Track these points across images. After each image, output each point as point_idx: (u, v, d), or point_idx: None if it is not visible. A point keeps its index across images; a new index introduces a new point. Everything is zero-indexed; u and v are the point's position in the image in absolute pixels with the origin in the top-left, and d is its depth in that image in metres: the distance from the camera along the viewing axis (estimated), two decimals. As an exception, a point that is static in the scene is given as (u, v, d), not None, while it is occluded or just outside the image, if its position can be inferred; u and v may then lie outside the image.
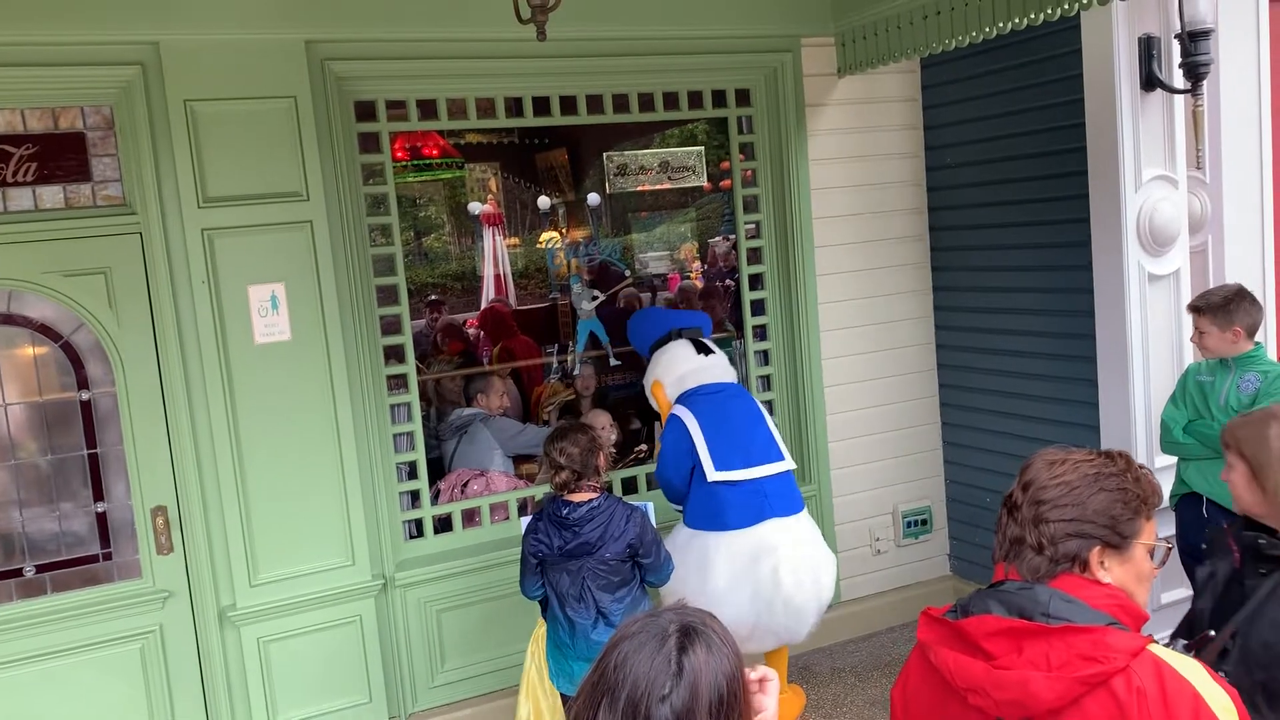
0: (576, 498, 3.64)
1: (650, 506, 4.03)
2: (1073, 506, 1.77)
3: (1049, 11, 3.90)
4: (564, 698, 3.82)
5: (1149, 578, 1.82)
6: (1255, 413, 2.72)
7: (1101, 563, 1.76)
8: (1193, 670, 1.66)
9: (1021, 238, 4.94)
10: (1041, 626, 1.67)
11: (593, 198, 9.86)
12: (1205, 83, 4.26)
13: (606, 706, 1.44)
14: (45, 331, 4.06)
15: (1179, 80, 4.27)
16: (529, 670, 4.10)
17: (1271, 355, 4.46)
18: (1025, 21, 4.02)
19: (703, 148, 9.48)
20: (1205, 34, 4.10)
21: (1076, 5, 3.82)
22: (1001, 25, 4.14)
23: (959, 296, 5.35)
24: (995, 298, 5.12)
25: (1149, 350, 4.44)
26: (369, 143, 4.48)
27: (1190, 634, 2.52)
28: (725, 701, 1.46)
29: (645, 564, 3.66)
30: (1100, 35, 4.33)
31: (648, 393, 4.66)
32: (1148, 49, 4.28)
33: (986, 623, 1.71)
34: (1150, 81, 4.29)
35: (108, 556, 4.18)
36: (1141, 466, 1.86)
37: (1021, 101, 4.84)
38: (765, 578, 4.12)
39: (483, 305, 9.11)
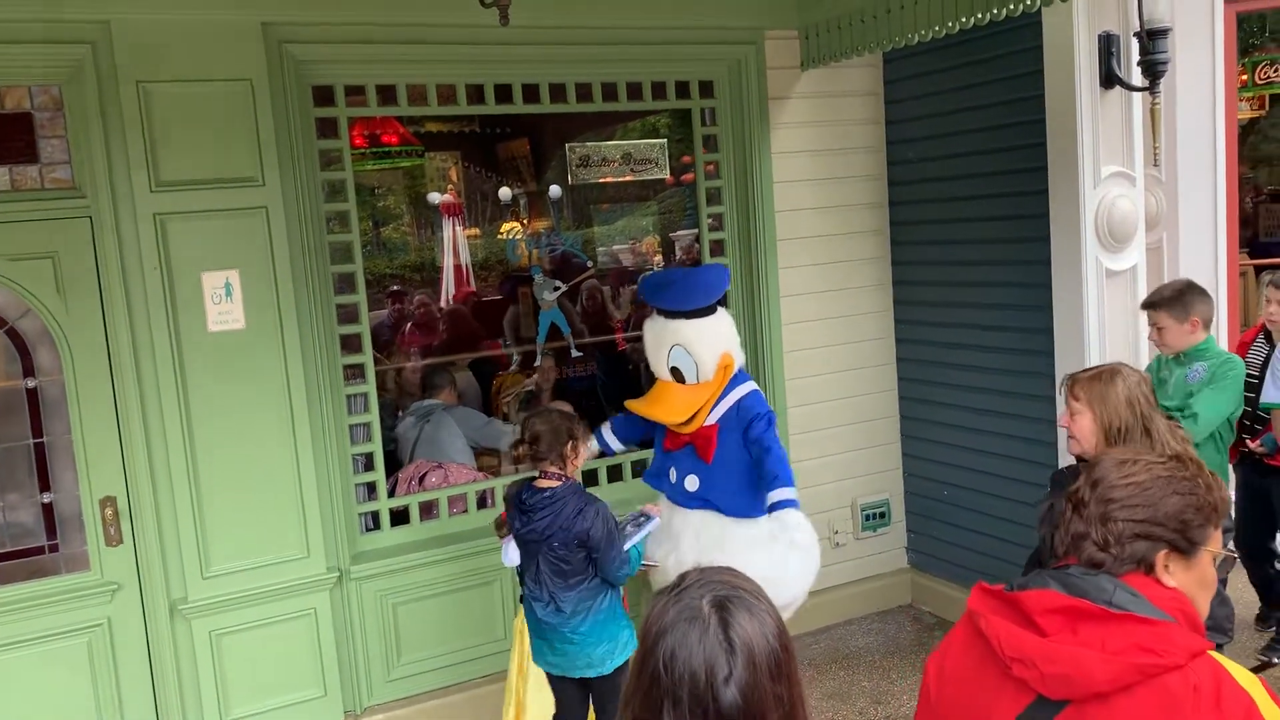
0: (542, 484, 3.63)
1: (656, 522, 3.94)
2: (1144, 507, 1.76)
3: (1010, 7, 3.93)
4: (550, 678, 3.81)
5: (1211, 586, 1.82)
6: (1104, 368, 3.01)
7: (1166, 566, 1.75)
8: (1253, 685, 1.64)
9: (981, 232, 4.98)
10: (1102, 610, 1.65)
11: (554, 189, 9.80)
12: (1162, 81, 4.30)
13: (670, 708, 1.41)
14: (-10, 318, 3.96)
15: (1138, 78, 4.31)
16: (513, 663, 4.05)
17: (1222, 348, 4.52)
18: (987, 17, 4.04)
19: (665, 140, 9.46)
20: (1164, 32, 4.14)
21: (1038, 2, 3.84)
22: (964, 20, 4.15)
23: (919, 290, 5.37)
24: (954, 292, 5.15)
25: (1105, 346, 4.48)
26: (327, 128, 4.40)
27: (1038, 564, 2.83)
28: (780, 659, 1.45)
29: (596, 560, 3.60)
30: (1061, 32, 4.36)
31: (697, 355, 4.05)
32: (1107, 46, 4.32)
33: (1046, 598, 1.69)
34: (1109, 79, 4.33)
35: (54, 548, 4.08)
36: (1213, 474, 1.85)
37: (982, 97, 4.87)
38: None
39: (443, 296, 9.01)
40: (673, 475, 4.15)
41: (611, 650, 3.67)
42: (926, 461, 5.48)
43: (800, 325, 5.26)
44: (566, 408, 4.06)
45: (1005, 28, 4.44)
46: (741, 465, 4.05)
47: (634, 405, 4.20)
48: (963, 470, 5.24)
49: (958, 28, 4.20)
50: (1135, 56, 4.27)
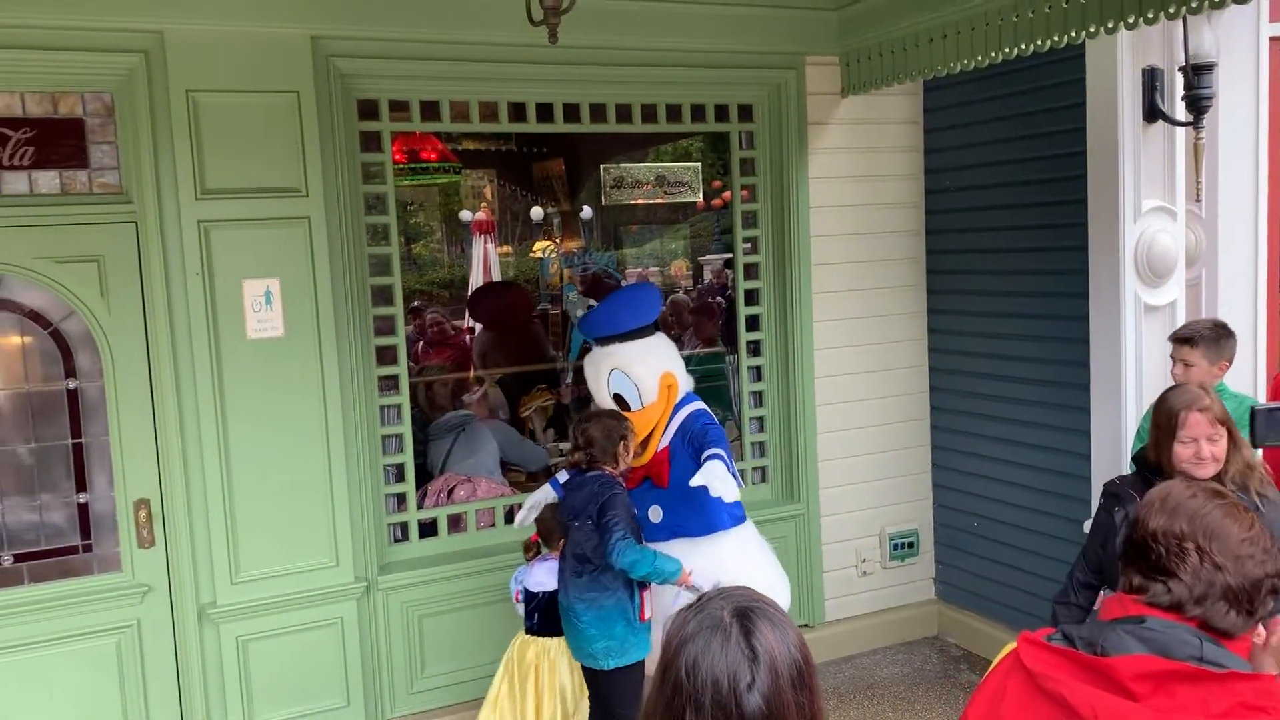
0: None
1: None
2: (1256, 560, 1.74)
3: (1055, 39, 3.93)
4: (585, 670, 3.84)
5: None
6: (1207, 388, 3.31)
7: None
8: None
9: (1018, 263, 4.96)
10: (1199, 670, 1.60)
11: (585, 211, 9.85)
12: (1206, 116, 4.28)
13: (692, 714, 1.42)
14: (35, 318, 4.01)
15: (1181, 112, 4.29)
16: (497, 684, 4.04)
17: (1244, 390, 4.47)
18: (1031, 48, 4.04)
19: (699, 164, 9.50)
20: (1209, 68, 4.13)
21: (1083, 34, 3.84)
22: (1007, 51, 4.15)
23: (954, 320, 5.35)
24: (990, 322, 5.13)
25: (1143, 380, 4.44)
26: (370, 142, 4.46)
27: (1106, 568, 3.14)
28: (802, 669, 1.45)
29: (602, 541, 3.63)
30: (1104, 65, 4.35)
31: (637, 376, 4.06)
32: (1151, 80, 4.31)
33: (1140, 663, 1.63)
34: (1153, 113, 4.32)
35: (88, 548, 4.12)
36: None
37: (1023, 128, 4.87)
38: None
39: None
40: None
41: (609, 649, 3.69)
42: (957, 492, 5.44)
43: (832, 350, 5.25)
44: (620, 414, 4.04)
45: (1048, 59, 4.44)
46: None
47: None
48: (994, 502, 5.20)
49: (1000, 58, 4.20)
50: (1179, 91, 4.26)
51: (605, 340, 4.14)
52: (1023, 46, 4.06)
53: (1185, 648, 1.65)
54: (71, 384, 4.07)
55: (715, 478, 3.60)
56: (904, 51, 4.68)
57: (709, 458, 3.77)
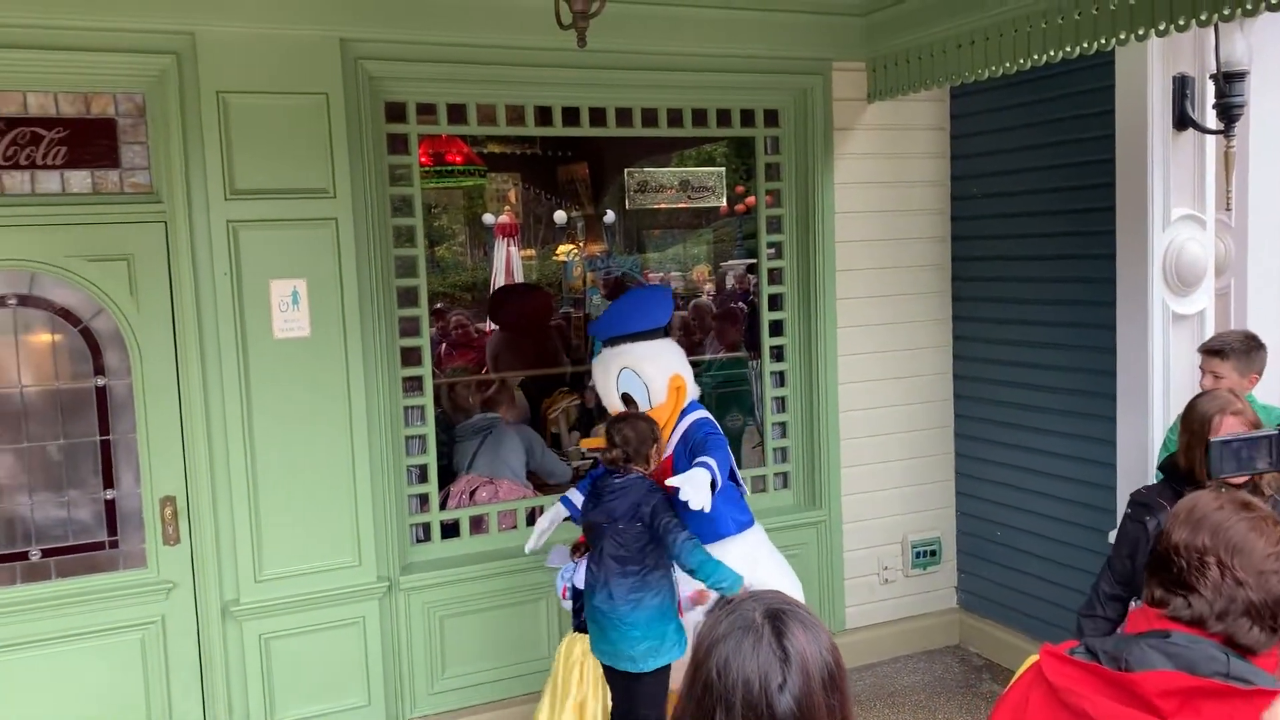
0: (622, 475, 3.77)
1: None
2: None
3: (1085, 45, 3.90)
4: (604, 669, 3.83)
5: None
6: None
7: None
8: None
9: (1045, 271, 4.93)
10: (1225, 686, 1.59)
11: (609, 215, 9.88)
12: (1237, 124, 4.25)
13: (723, 715, 1.42)
14: (65, 316, 4.05)
15: (1212, 120, 4.26)
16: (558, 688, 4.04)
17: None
18: (1060, 55, 4.01)
19: (724, 169, 9.50)
20: (1240, 75, 4.10)
21: (1113, 40, 3.82)
22: (1036, 58, 4.13)
23: (979, 327, 5.33)
24: (1015, 330, 5.10)
25: (1170, 390, 4.40)
26: (397, 144, 4.48)
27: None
28: (833, 673, 1.45)
29: (665, 543, 3.66)
30: (1134, 72, 4.32)
31: (646, 375, 4.05)
32: (1181, 88, 4.28)
33: (1167, 679, 1.62)
34: (1183, 121, 4.28)
35: (114, 544, 4.15)
36: None
37: (1051, 135, 4.84)
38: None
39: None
40: None
41: (654, 648, 3.68)
42: (980, 501, 5.41)
43: (856, 357, 5.24)
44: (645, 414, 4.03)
45: (1077, 66, 4.42)
46: None
47: (589, 441, 4.22)
48: (1018, 511, 5.17)
49: (1029, 65, 4.17)
50: (1210, 99, 4.23)
51: (615, 341, 4.15)
52: (1052, 53, 4.03)
53: (1211, 663, 1.63)
54: (100, 381, 4.11)
55: (687, 482, 3.57)
56: (931, 57, 4.67)
57: (697, 464, 3.77)
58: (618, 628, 3.69)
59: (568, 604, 4.04)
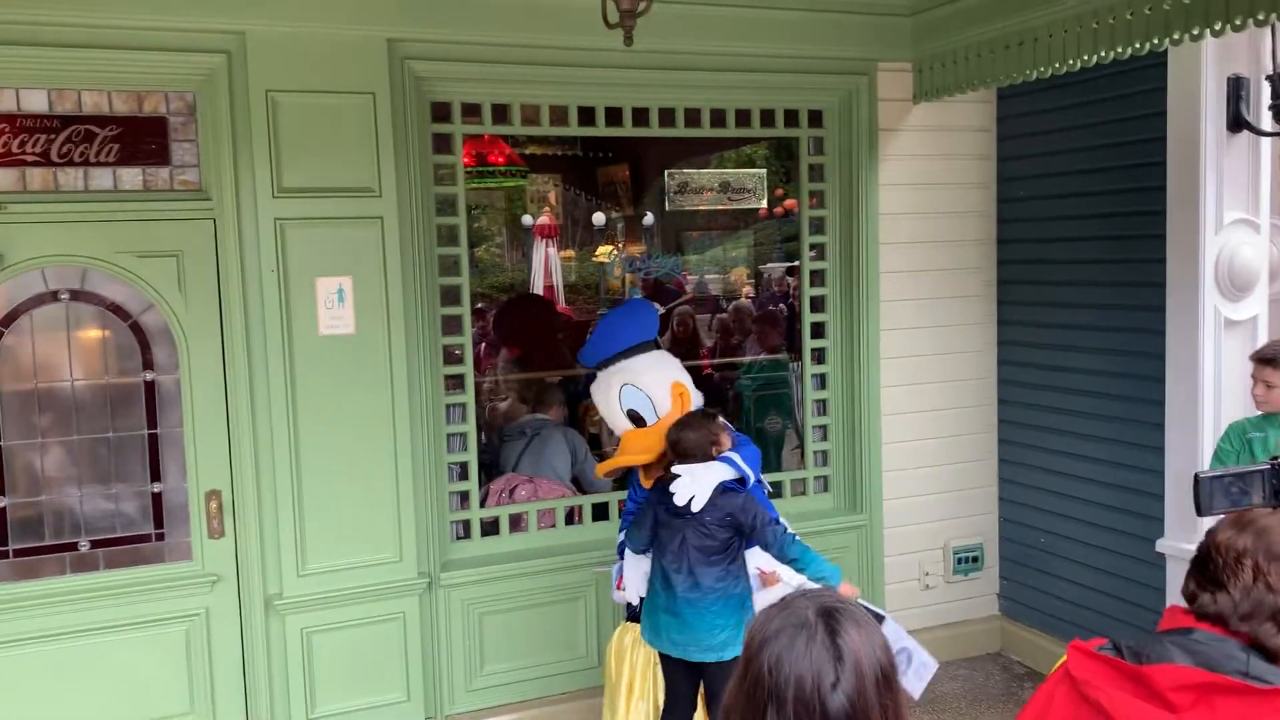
0: None
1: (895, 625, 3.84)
2: None
3: (1137, 45, 3.85)
4: (663, 658, 3.81)
5: None
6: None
7: None
8: None
9: (1092, 275, 4.86)
10: (1241, 684, 1.58)
11: (648, 218, 9.89)
12: (1293, 127, 4.17)
13: (774, 712, 1.41)
14: (116, 311, 4.11)
15: (1267, 122, 4.18)
16: (613, 678, 4.04)
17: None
18: (1111, 56, 3.96)
19: (765, 171, 9.48)
20: (1298, 76, 4.02)
21: (1166, 40, 3.76)
22: (1086, 58, 4.08)
23: (1024, 331, 5.26)
24: (1062, 334, 5.03)
25: (1221, 396, 4.33)
26: (441, 144, 4.51)
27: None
28: (887, 674, 1.44)
29: (762, 536, 3.67)
30: (1187, 73, 4.26)
31: (647, 386, 3.95)
32: (1236, 89, 4.20)
33: (1178, 674, 1.62)
34: (1237, 122, 4.21)
35: (160, 537, 4.20)
36: None
37: (1101, 137, 4.77)
38: None
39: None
40: None
41: (734, 637, 3.66)
42: (1024, 507, 5.34)
43: (899, 360, 5.19)
44: (711, 412, 4.00)
45: (1128, 67, 4.36)
46: None
47: (605, 465, 4.14)
48: (1062, 518, 5.09)
49: (1079, 65, 4.12)
50: (1266, 100, 4.15)
51: (608, 362, 4.05)
52: (1103, 53, 3.98)
53: (1232, 662, 1.63)
54: (149, 376, 4.16)
55: (689, 475, 3.65)
56: (979, 58, 4.62)
57: (720, 458, 3.76)
58: (703, 616, 3.66)
59: (620, 595, 4.03)
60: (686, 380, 4.05)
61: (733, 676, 1.50)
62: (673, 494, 3.67)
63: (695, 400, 4.02)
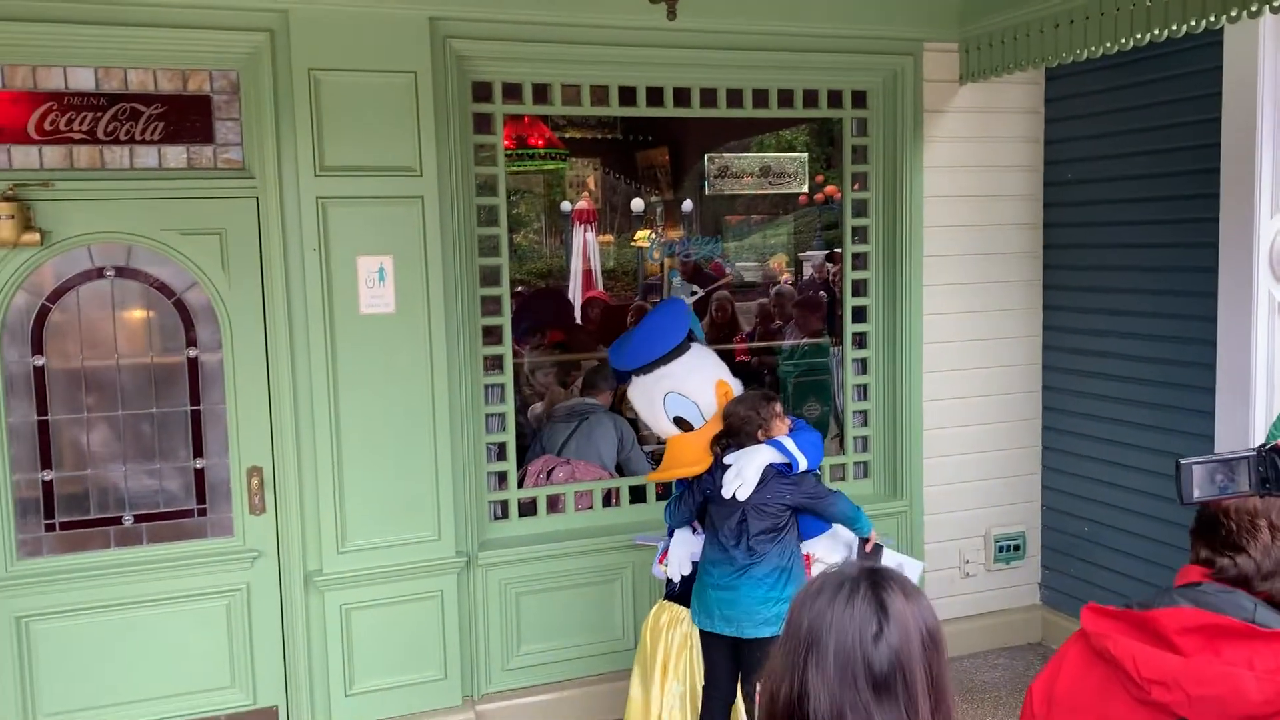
0: None
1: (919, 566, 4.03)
2: None
3: (1192, 24, 3.74)
4: (702, 634, 3.82)
5: None
6: None
7: None
8: None
9: (1142, 259, 4.76)
10: (1246, 627, 1.59)
11: (686, 204, 9.83)
12: (1354, 108, 4.05)
13: (815, 666, 1.39)
14: (160, 288, 4.15)
15: (1327, 103, 4.07)
16: (647, 655, 4.03)
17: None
18: (1165, 34, 3.86)
19: (806, 155, 9.39)
20: (1360, 55, 3.90)
21: (1223, 18, 3.66)
22: (1138, 37, 3.98)
23: (1071, 317, 5.17)
24: (1109, 320, 4.94)
25: (1273, 384, 4.23)
26: (482, 124, 4.50)
27: None
28: (934, 635, 1.42)
29: (821, 508, 3.77)
30: (1244, 53, 4.15)
31: (693, 392, 3.91)
32: (1294, 69, 4.09)
33: (1183, 615, 1.63)
34: (1295, 103, 4.10)
35: (202, 512, 4.25)
36: None
37: (1152, 119, 4.67)
38: None
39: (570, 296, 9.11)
40: None
41: (781, 613, 3.65)
42: (1068, 495, 5.26)
43: (942, 345, 5.12)
44: (770, 394, 3.97)
45: (1182, 47, 4.25)
46: None
47: (655, 476, 4.14)
48: (1107, 507, 5.01)
49: (1131, 45, 4.02)
50: (1326, 80, 4.04)
51: (647, 368, 3.98)
52: (1156, 32, 3.88)
53: (1239, 611, 1.65)
54: (192, 353, 4.20)
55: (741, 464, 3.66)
56: (1028, 37, 4.53)
57: (770, 442, 3.75)
58: (758, 589, 3.67)
59: (659, 571, 4.02)
60: (728, 376, 4.03)
61: (781, 634, 1.49)
62: (722, 485, 3.69)
63: (737, 392, 3.99)
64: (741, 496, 3.63)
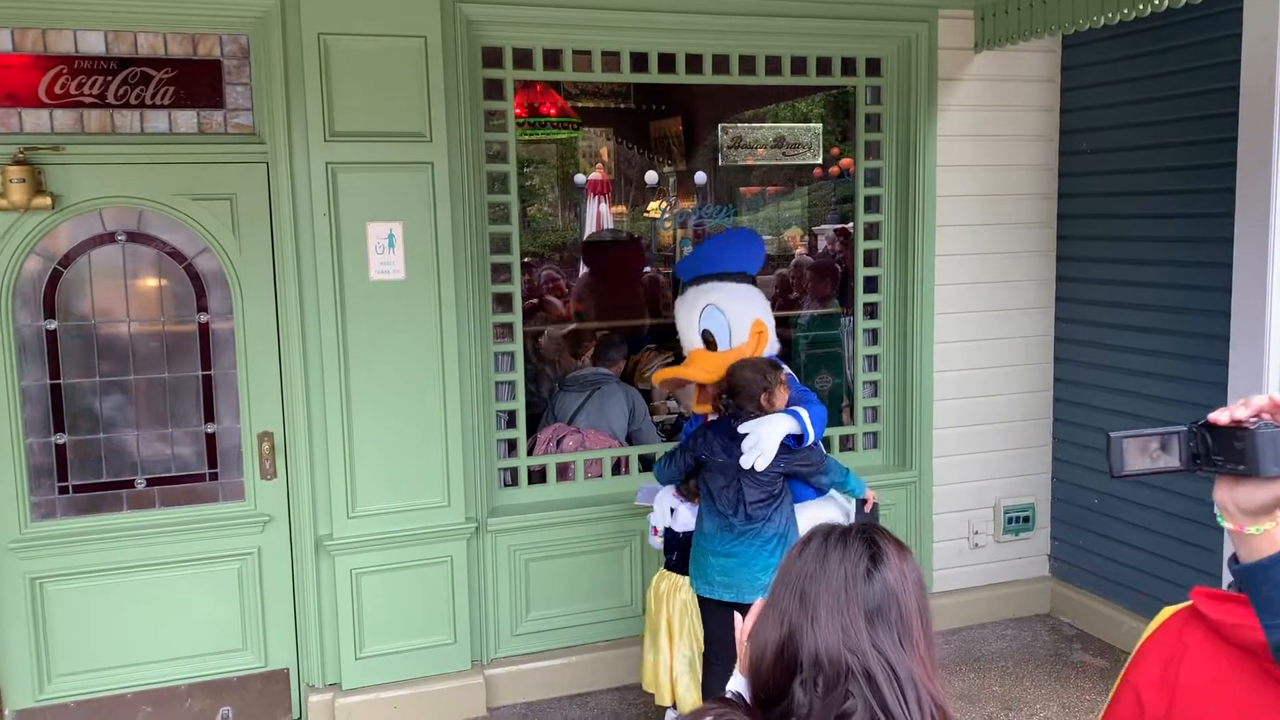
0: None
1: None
2: None
3: (1212, -11, 3.69)
4: (701, 602, 3.82)
5: None
6: None
7: None
8: None
9: (1158, 230, 4.72)
10: None
11: (699, 176, 9.78)
12: (1376, 76, 3.99)
13: (809, 605, 1.42)
14: (171, 254, 4.16)
15: (1348, 71, 4.00)
16: (653, 620, 4.06)
17: None
18: (1184, 0, 3.80)
19: (820, 126, 9.32)
20: (1383, 22, 3.83)
21: (1244, -17, 3.60)
22: (1156, 3, 3.91)
23: (1085, 288, 5.13)
24: (1124, 291, 4.90)
25: (1289, 359, 4.20)
26: (493, 90, 4.47)
27: None
28: (921, 581, 1.47)
29: (815, 474, 3.79)
30: (1264, 19, 4.07)
31: (731, 313, 3.89)
32: (1316, 36, 4.02)
33: None
34: (1316, 71, 4.04)
35: (214, 477, 4.28)
36: None
37: (1169, 87, 4.61)
38: None
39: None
40: None
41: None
42: (1078, 468, 5.24)
43: (954, 316, 5.10)
44: (778, 363, 3.95)
45: (1200, 14, 4.19)
46: None
47: (664, 372, 4.07)
48: (1118, 479, 4.98)
49: (1149, 10, 3.96)
50: (1348, 47, 3.97)
51: (705, 279, 3.99)
52: (1174, -3, 3.83)
53: None
54: (203, 318, 4.22)
55: (764, 425, 3.63)
56: (1043, 4, 4.48)
57: (787, 411, 3.72)
58: (760, 555, 3.67)
59: (656, 542, 4.04)
60: (770, 322, 4.00)
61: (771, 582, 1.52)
62: (728, 445, 3.68)
63: (771, 346, 3.98)
64: (760, 468, 3.61)
